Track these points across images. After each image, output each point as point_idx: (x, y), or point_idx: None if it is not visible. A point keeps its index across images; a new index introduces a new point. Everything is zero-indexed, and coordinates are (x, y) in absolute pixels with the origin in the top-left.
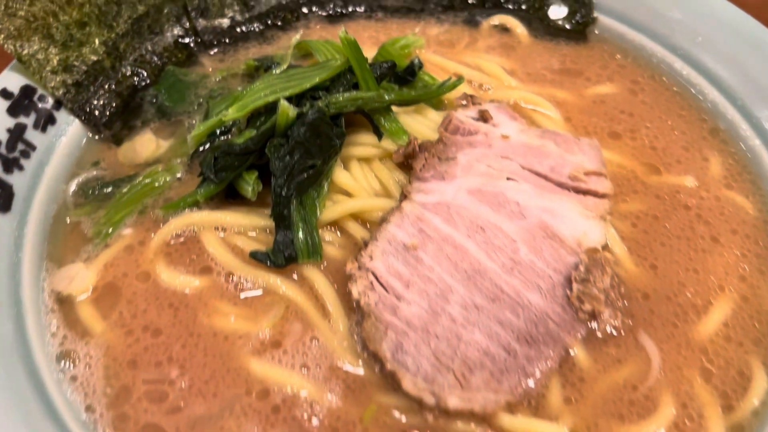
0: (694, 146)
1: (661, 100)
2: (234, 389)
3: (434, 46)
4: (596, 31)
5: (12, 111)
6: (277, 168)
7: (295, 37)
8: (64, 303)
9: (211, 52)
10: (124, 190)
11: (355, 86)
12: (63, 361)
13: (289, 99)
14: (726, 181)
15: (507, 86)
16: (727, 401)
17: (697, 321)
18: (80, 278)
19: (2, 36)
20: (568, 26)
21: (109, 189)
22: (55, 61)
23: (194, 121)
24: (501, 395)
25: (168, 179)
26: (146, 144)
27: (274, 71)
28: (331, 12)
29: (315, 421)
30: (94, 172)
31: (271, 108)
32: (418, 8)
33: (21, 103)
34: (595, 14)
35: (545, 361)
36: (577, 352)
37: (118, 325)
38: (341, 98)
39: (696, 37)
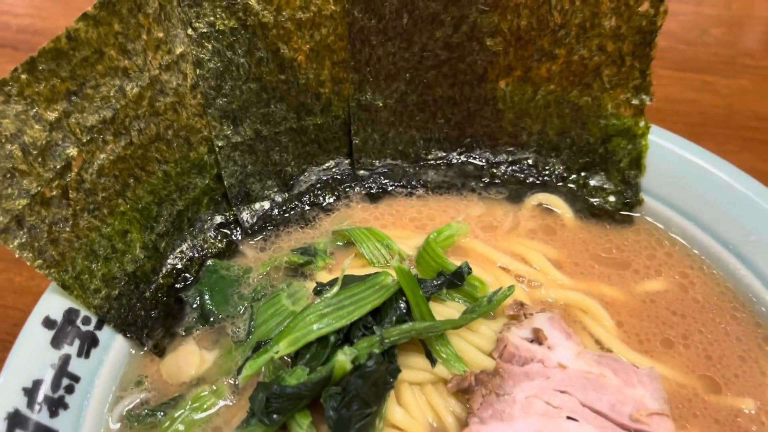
0: (751, 356)
1: (712, 299)
2: None
3: (477, 230)
4: (643, 215)
5: (56, 342)
6: (333, 420)
7: (347, 261)
8: None
9: (252, 241)
10: (171, 420)
11: (407, 307)
12: None
13: (341, 330)
14: None
15: (554, 282)
16: None
17: None
18: None
19: (46, 265)
20: (613, 207)
21: (155, 416)
22: (98, 278)
23: (238, 328)
24: None
25: (215, 405)
26: (190, 357)
27: (325, 295)
28: (372, 190)
29: None
30: (139, 396)
31: (323, 338)
32: (459, 184)
33: (64, 330)
34: (642, 196)
35: None
36: None
37: None
38: (395, 332)
39: (749, 236)
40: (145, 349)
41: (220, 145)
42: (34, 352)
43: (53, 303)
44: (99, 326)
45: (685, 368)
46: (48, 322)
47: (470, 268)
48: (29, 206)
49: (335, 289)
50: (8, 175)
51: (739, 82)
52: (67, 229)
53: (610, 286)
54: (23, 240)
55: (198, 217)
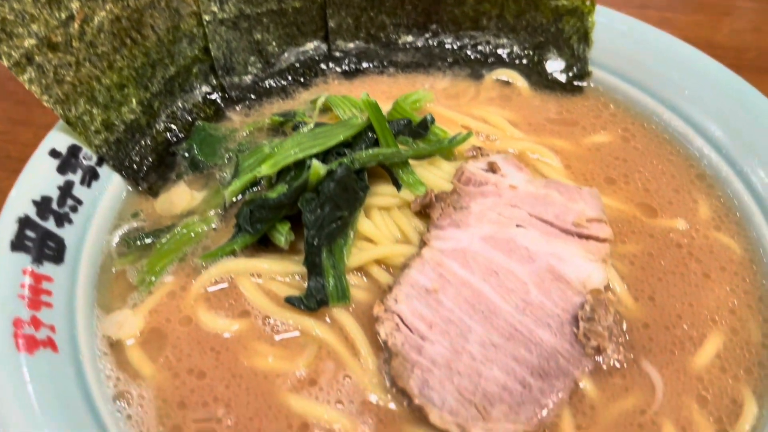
0: (684, 189)
1: (651, 147)
2: (276, 424)
3: (442, 99)
4: (591, 84)
5: (61, 169)
6: (309, 220)
7: (321, 98)
8: (115, 347)
9: (237, 108)
10: (164, 240)
11: (376, 142)
12: (118, 402)
13: (317, 156)
14: (714, 223)
15: (511, 137)
16: (722, 426)
17: (693, 352)
18: (128, 324)
19: (52, 101)
20: (564, 79)
21: (150, 239)
22: (98, 122)
23: (225, 174)
24: (519, 425)
25: (204, 229)
26: (181, 195)
27: (301, 130)
28: (346, 68)
29: None
30: (135, 224)
31: (300, 164)
32: (426, 63)
33: (69, 161)
34: (590, 68)
35: (557, 393)
36: (586, 384)
37: (166, 368)
38: (364, 155)
39: (683, 91)
40: (140, 189)
41: (207, 19)
42: (41, 174)
43: (59, 139)
44: (99, 163)
45: (625, 199)
46: (54, 153)
47: (434, 119)
48: (37, 47)
49: (312, 124)
50: (19, 16)
51: (694, 18)
52: (71, 73)
53: (560, 138)
54: (32, 75)
55: (188, 83)
